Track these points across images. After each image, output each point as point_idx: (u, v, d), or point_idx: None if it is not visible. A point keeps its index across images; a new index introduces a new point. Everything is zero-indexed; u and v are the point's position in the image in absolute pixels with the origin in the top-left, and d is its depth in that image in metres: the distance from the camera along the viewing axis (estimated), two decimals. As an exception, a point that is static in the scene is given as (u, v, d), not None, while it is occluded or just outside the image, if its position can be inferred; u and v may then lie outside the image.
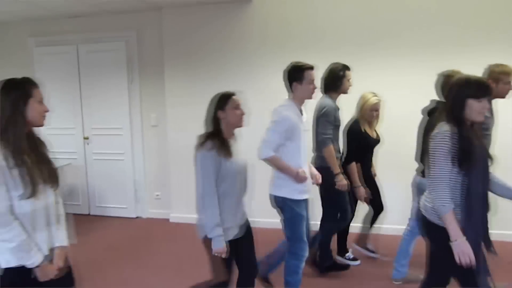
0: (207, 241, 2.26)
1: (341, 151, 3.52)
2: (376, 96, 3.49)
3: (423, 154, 2.87)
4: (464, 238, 1.97)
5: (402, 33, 4.25)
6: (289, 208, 2.81)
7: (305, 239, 2.87)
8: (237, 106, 2.32)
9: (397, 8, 4.25)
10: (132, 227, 5.05)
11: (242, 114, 2.34)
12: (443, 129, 2.01)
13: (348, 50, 4.33)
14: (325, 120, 3.23)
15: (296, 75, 2.79)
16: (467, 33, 4.09)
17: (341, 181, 3.23)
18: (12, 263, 1.71)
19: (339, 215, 3.41)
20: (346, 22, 4.37)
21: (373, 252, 3.87)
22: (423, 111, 3.13)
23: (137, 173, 5.38)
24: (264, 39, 4.62)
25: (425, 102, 3.16)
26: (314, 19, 4.45)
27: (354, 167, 3.48)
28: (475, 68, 2.88)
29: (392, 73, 4.30)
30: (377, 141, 3.63)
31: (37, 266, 1.74)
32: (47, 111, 1.85)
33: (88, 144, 5.46)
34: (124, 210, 5.41)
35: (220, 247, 2.21)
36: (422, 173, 2.98)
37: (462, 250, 1.96)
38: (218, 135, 2.28)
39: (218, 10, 4.70)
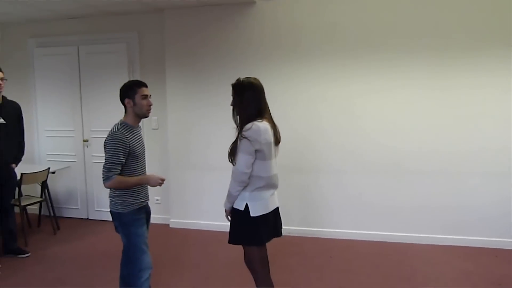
0: None
1: None
2: None
3: None
4: None
5: (410, 35, 4.18)
6: None
7: None
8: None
9: (404, 10, 4.19)
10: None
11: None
12: None
13: (352, 53, 4.30)
14: None
15: None
16: (475, 37, 4.02)
17: None
18: None
19: None
20: (350, 25, 4.30)
21: None
22: None
23: (137, 177, 5.28)
24: (267, 41, 4.55)
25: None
26: (319, 22, 4.38)
27: None
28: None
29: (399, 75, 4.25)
30: None
31: None
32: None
33: (87, 147, 5.38)
34: (123, 214, 5.30)
35: None
36: None
37: None
38: None
39: (221, 12, 4.63)
